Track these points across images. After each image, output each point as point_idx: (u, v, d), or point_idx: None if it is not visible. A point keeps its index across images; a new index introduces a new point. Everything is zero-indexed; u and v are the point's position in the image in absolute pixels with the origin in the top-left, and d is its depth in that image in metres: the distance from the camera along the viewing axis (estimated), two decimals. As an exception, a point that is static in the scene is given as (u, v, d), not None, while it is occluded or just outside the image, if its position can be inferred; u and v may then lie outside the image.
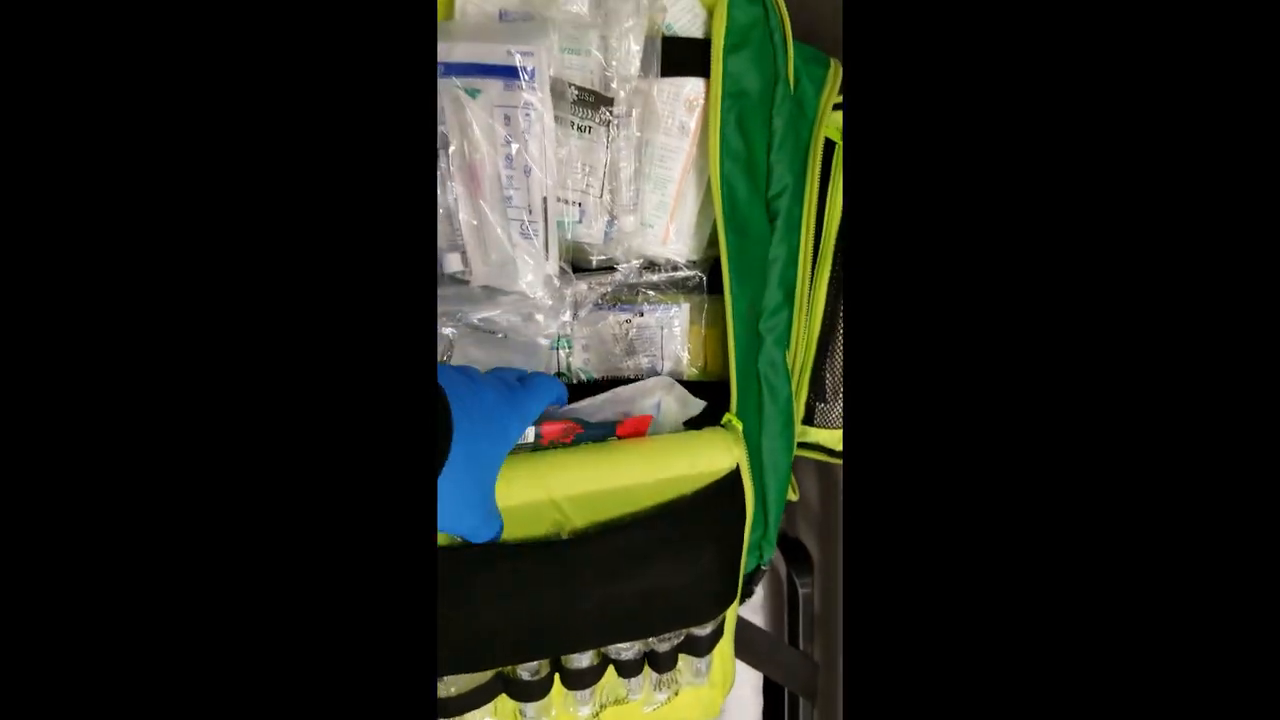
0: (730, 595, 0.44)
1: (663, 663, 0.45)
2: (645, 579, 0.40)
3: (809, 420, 0.61)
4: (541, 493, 0.38)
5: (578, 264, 0.44)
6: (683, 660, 0.47)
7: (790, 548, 0.69)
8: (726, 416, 0.44)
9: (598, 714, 0.46)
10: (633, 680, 0.46)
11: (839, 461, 0.62)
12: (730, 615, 0.48)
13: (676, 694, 0.48)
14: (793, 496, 0.58)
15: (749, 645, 0.64)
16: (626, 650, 0.44)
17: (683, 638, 0.45)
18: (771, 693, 0.73)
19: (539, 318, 0.43)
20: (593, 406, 0.43)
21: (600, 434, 0.41)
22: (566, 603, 0.39)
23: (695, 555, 0.41)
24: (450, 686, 0.41)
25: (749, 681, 0.73)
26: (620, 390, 0.43)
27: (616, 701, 0.47)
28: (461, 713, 0.42)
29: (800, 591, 0.67)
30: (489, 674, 0.42)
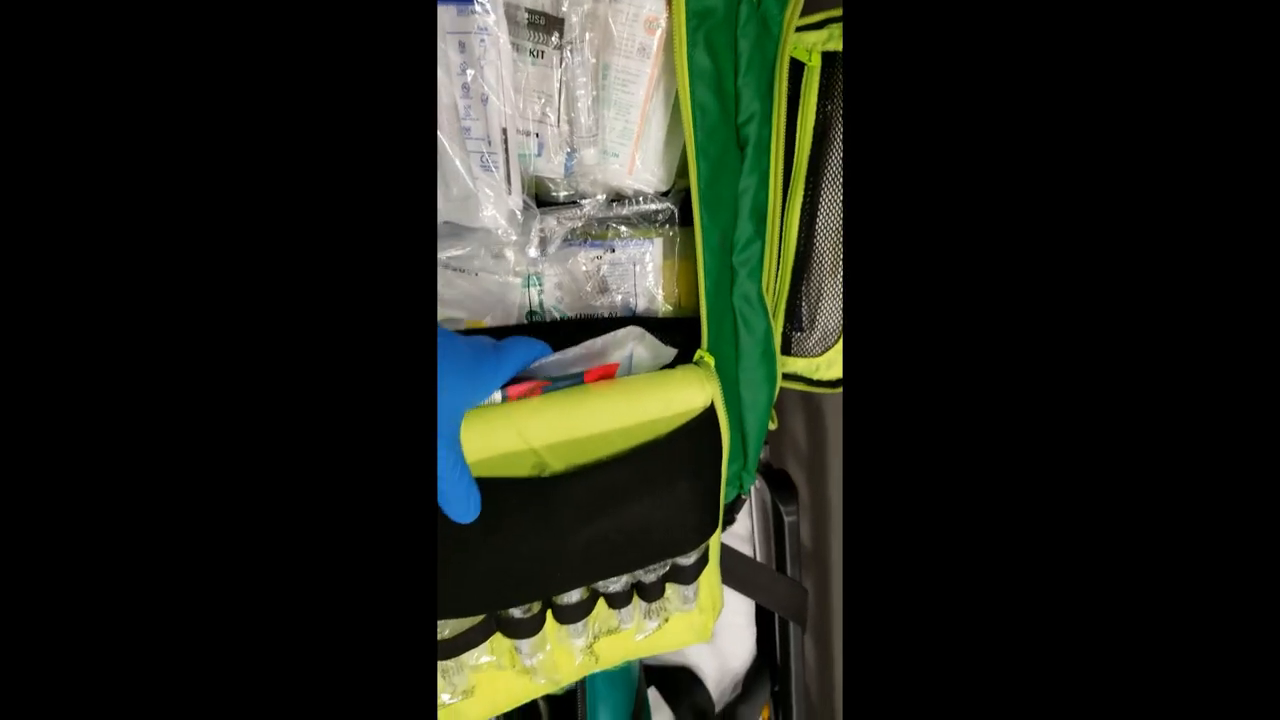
0: (711, 526, 0.45)
1: (650, 592, 0.45)
2: (627, 516, 0.40)
3: (786, 350, 0.61)
4: (518, 441, 0.38)
5: (542, 199, 0.43)
6: (670, 589, 0.47)
7: (774, 478, 0.70)
8: (699, 353, 0.44)
9: (592, 645, 0.47)
10: (623, 611, 0.46)
11: (819, 390, 0.62)
12: (714, 543, 0.48)
13: (667, 620, 0.49)
14: (771, 425, 0.58)
15: (738, 574, 0.65)
16: (615, 584, 0.44)
17: (668, 568, 0.46)
18: (764, 621, 0.75)
19: (508, 254, 0.42)
20: (562, 364, 0.43)
21: (567, 384, 0.40)
22: (551, 542, 0.39)
23: (674, 491, 0.41)
24: (444, 629, 0.41)
25: (742, 610, 0.74)
26: (591, 344, 0.42)
27: (609, 632, 0.47)
28: (457, 653, 0.42)
29: (786, 520, 0.68)
30: (480, 616, 0.43)
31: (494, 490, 0.37)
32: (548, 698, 0.64)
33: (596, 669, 0.49)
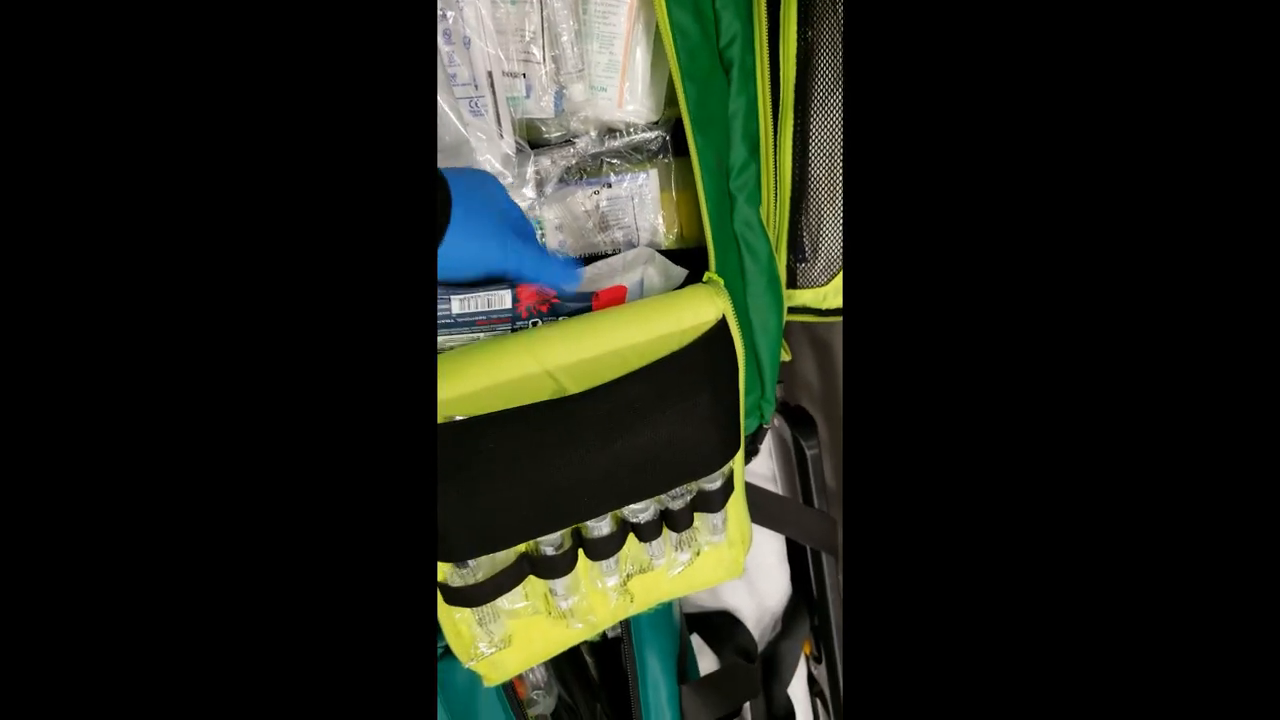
0: (734, 445, 0.45)
1: (679, 521, 0.46)
2: (647, 434, 0.40)
3: (791, 283, 0.61)
4: (534, 364, 0.38)
5: (534, 143, 0.43)
6: (698, 519, 0.48)
7: (792, 414, 0.70)
8: (707, 275, 0.44)
9: (625, 584, 0.48)
10: (654, 544, 0.47)
11: (827, 320, 0.62)
12: (738, 470, 0.49)
13: (698, 554, 0.49)
14: (785, 357, 0.58)
15: (767, 510, 0.66)
16: (643, 512, 0.44)
17: (694, 494, 0.46)
18: (796, 558, 0.76)
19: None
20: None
21: (576, 307, 0.41)
22: (576, 466, 0.39)
23: (693, 404, 0.41)
24: (476, 571, 0.42)
25: (773, 550, 0.74)
26: (599, 265, 0.42)
27: (641, 570, 0.48)
28: (492, 597, 0.43)
29: (808, 454, 0.68)
30: (513, 555, 0.43)
31: (515, 416, 0.38)
32: (593, 651, 0.64)
33: (633, 611, 0.50)
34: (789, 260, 0.59)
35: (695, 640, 0.71)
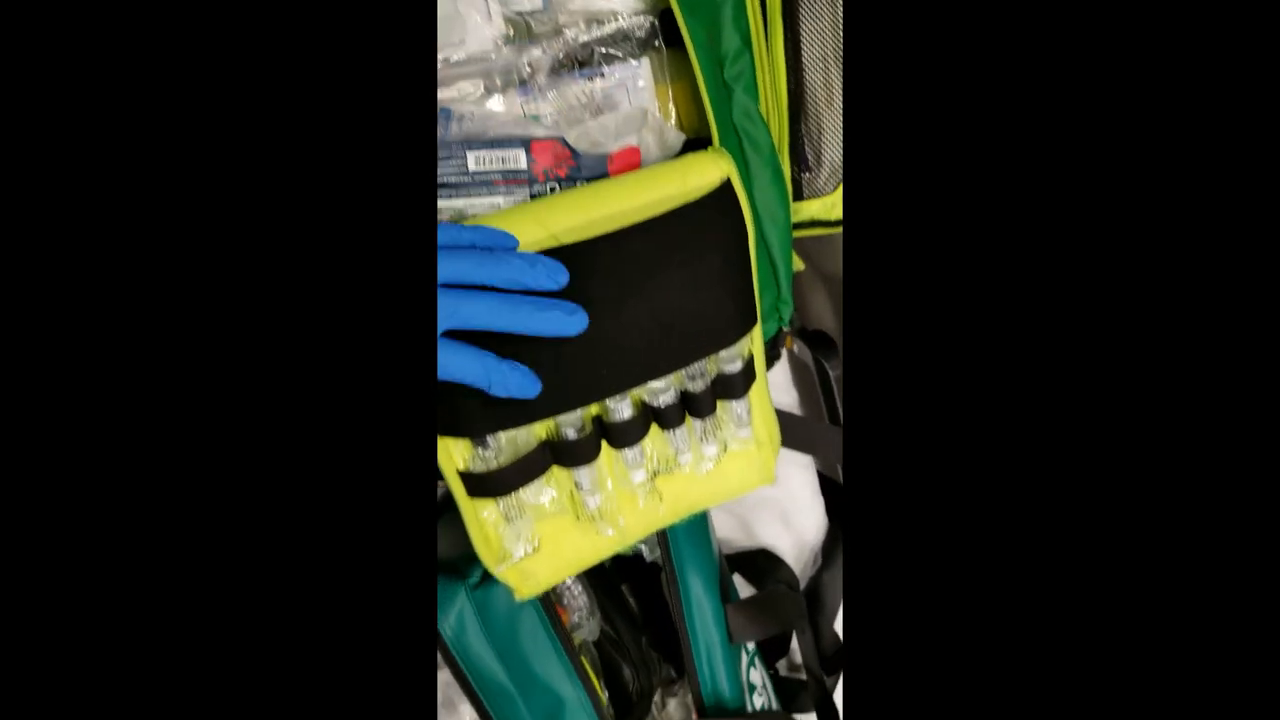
0: (750, 318, 0.45)
1: (701, 406, 0.45)
2: (658, 294, 0.40)
3: (798, 195, 0.60)
4: (542, 231, 0.38)
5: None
6: (721, 408, 0.47)
7: (812, 337, 0.69)
8: (711, 147, 0.44)
9: (653, 480, 0.47)
10: (678, 435, 0.46)
11: (837, 230, 0.62)
12: (759, 355, 0.48)
13: (725, 449, 0.48)
14: (799, 266, 0.58)
15: (796, 433, 0.65)
16: (663, 393, 0.44)
17: (715, 377, 0.46)
18: (830, 492, 0.74)
19: (499, 104, 0.43)
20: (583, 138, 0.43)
21: (591, 173, 0.41)
22: (588, 332, 0.39)
23: (703, 264, 0.41)
24: (496, 457, 0.41)
25: (807, 483, 0.73)
26: (590, 128, 0.42)
27: (667, 467, 0.47)
28: (516, 486, 0.42)
29: (832, 374, 0.67)
30: (534, 441, 0.43)
31: None
32: (633, 584, 0.63)
33: (664, 517, 0.49)
34: (793, 171, 0.59)
35: (736, 579, 0.70)
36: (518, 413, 0.40)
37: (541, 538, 0.46)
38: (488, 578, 0.51)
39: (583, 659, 0.53)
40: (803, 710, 0.67)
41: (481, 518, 0.44)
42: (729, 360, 0.45)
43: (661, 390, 0.44)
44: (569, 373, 0.39)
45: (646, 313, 0.40)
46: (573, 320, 0.37)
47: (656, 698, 0.61)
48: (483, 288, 0.37)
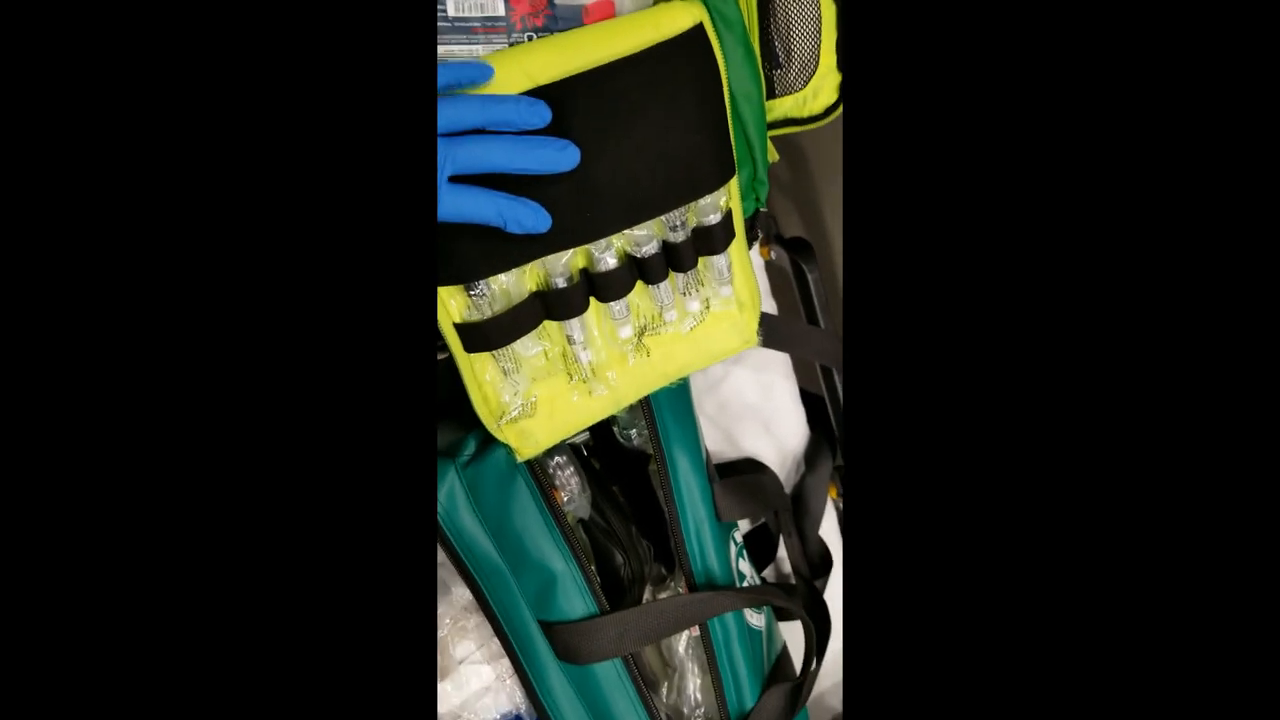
0: (728, 166, 0.46)
1: (683, 258, 0.47)
2: (640, 136, 0.42)
3: (771, 94, 0.62)
4: (520, 73, 0.40)
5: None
6: (702, 264, 0.49)
7: (790, 243, 0.71)
8: None
9: (640, 338, 0.48)
10: (662, 288, 0.48)
11: (811, 126, 0.64)
12: (737, 211, 0.49)
13: (708, 307, 0.50)
14: (774, 157, 0.60)
15: (777, 332, 0.67)
16: (646, 244, 0.45)
17: (694, 229, 0.47)
18: (810, 401, 0.76)
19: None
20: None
21: (568, 25, 0.42)
22: (575, 171, 0.40)
23: (677, 104, 0.43)
24: (488, 305, 0.43)
25: (787, 392, 0.75)
26: None
27: (653, 323, 0.49)
28: (511, 336, 0.44)
29: (810, 277, 0.69)
30: (525, 293, 0.44)
31: None
32: (622, 484, 0.64)
33: (651, 377, 0.50)
34: (765, 69, 0.61)
35: (722, 487, 0.71)
36: (513, 253, 0.41)
37: (538, 398, 0.47)
38: (477, 456, 0.51)
39: (576, 534, 0.54)
40: (789, 616, 0.68)
41: (479, 376, 0.45)
42: (708, 211, 0.47)
43: (644, 240, 0.45)
44: (558, 215, 0.41)
45: (629, 151, 0.42)
46: (564, 155, 0.39)
47: (648, 593, 0.62)
48: (473, 131, 0.38)
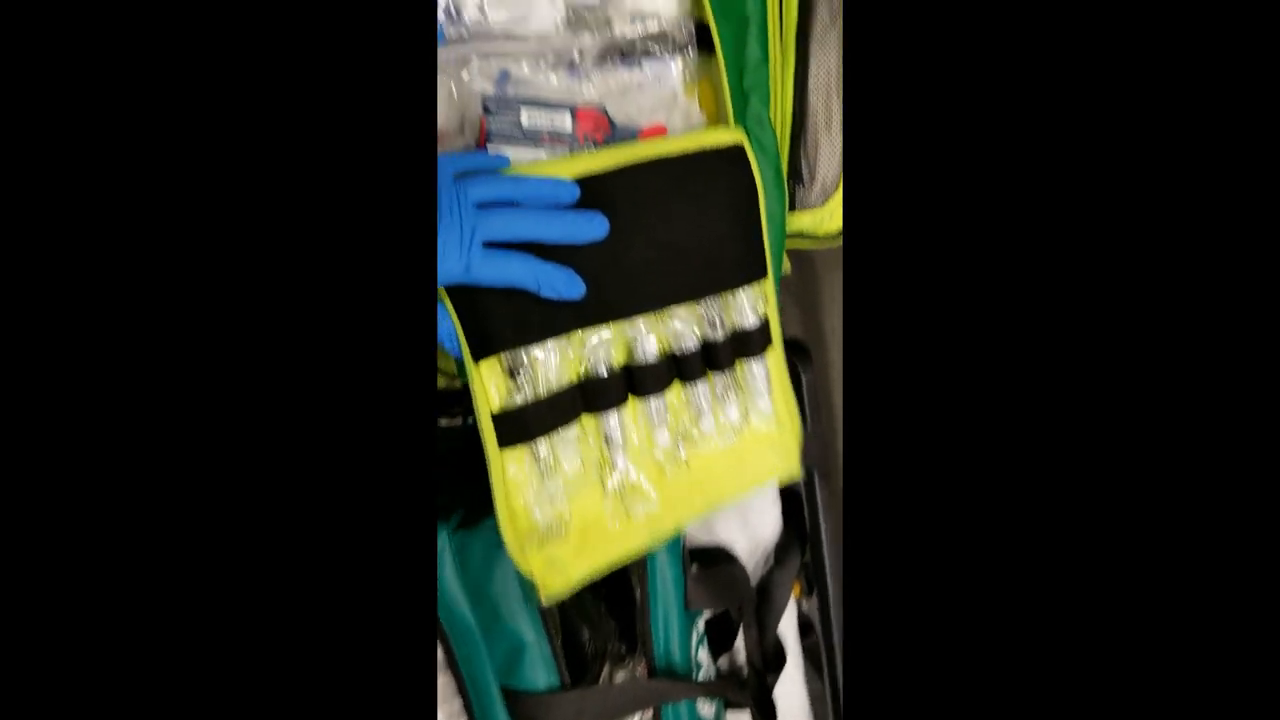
0: (759, 267, 0.49)
1: (720, 356, 0.49)
2: (674, 224, 0.44)
3: (791, 206, 0.66)
4: (572, 174, 0.43)
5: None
6: (740, 366, 0.50)
7: (787, 344, 0.75)
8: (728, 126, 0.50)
9: (678, 448, 0.49)
10: (699, 390, 0.49)
11: (823, 245, 0.68)
12: (773, 318, 0.52)
13: (747, 419, 0.51)
14: (786, 269, 0.63)
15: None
16: (685, 337, 0.47)
17: (732, 330, 0.49)
18: (788, 495, 0.79)
19: (553, 78, 0.48)
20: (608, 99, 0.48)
21: (625, 138, 0.46)
22: (611, 244, 0.42)
23: (709, 201, 0.46)
24: (530, 389, 0.43)
25: (768, 487, 0.78)
26: (628, 102, 0.47)
27: (692, 439, 0.49)
28: (546, 429, 0.43)
29: (804, 379, 0.72)
30: (565, 382, 0.45)
31: None
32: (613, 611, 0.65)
33: (692, 498, 0.49)
34: (790, 185, 0.65)
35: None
36: (548, 322, 0.43)
37: (571, 518, 0.45)
38: (469, 520, 0.53)
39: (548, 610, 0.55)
40: (739, 705, 0.69)
41: (509, 479, 0.43)
42: (744, 312, 0.49)
43: (683, 334, 0.47)
44: (592, 287, 0.43)
45: (665, 234, 0.44)
46: (593, 225, 0.42)
47: (606, 669, 0.63)
48: (508, 204, 0.41)
